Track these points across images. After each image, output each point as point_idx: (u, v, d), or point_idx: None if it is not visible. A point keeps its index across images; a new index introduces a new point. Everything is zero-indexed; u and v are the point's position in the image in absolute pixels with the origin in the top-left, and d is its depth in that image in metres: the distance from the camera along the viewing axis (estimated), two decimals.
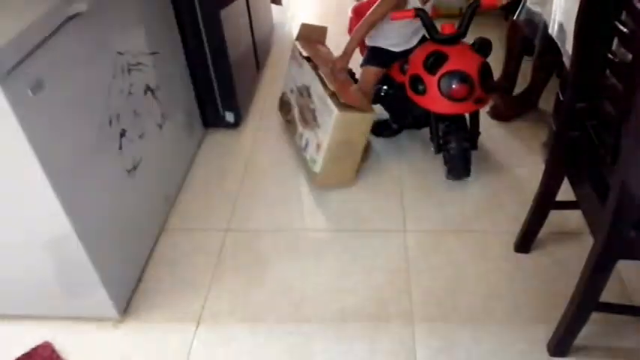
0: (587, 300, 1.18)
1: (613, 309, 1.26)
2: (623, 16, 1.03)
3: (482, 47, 1.73)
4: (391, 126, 2.03)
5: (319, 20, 2.20)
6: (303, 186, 1.90)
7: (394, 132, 2.05)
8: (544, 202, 1.46)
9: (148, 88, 1.61)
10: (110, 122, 1.40)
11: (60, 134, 1.19)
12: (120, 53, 1.46)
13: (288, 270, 1.59)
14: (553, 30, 1.62)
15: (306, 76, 1.91)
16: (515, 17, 1.88)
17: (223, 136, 2.15)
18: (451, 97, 1.67)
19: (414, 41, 1.87)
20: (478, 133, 1.85)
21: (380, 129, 2.02)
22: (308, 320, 1.45)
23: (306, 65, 1.93)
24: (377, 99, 1.96)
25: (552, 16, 1.63)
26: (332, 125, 1.70)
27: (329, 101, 1.73)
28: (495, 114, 2.15)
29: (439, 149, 1.83)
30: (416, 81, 1.73)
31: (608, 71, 1.11)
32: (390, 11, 1.74)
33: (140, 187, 1.57)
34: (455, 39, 1.72)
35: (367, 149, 1.94)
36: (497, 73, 2.21)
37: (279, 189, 1.90)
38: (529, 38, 1.90)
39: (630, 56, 0.99)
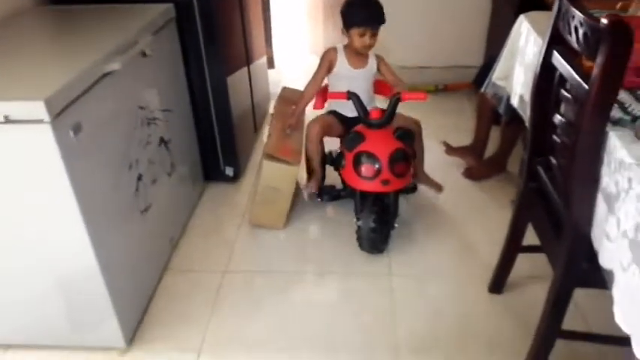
0: (551, 326, 1.33)
1: (575, 336, 1.42)
2: (568, 85, 1.28)
3: (403, 135, 1.88)
4: (339, 192, 2.13)
5: None
6: (296, 233, 2.07)
7: (338, 197, 2.14)
8: (512, 246, 1.66)
9: (162, 140, 1.81)
10: (130, 166, 1.57)
11: (91, 173, 1.36)
12: (141, 108, 1.66)
13: (281, 307, 1.72)
14: (514, 101, 1.88)
15: None
16: (482, 89, 2.16)
17: (222, 189, 2.34)
18: (359, 174, 1.84)
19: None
20: (396, 215, 1.98)
21: (323, 192, 2.13)
22: (301, 351, 1.57)
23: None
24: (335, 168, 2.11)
25: (514, 89, 1.91)
26: (260, 172, 1.97)
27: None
28: (469, 174, 2.39)
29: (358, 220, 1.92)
30: (340, 156, 1.96)
31: (558, 130, 1.35)
32: (326, 74, 1.99)
33: (150, 228, 1.72)
34: (378, 124, 1.88)
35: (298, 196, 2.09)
36: (469, 138, 2.48)
37: (274, 235, 2.06)
38: (496, 109, 2.17)
39: (573, 117, 1.23)
